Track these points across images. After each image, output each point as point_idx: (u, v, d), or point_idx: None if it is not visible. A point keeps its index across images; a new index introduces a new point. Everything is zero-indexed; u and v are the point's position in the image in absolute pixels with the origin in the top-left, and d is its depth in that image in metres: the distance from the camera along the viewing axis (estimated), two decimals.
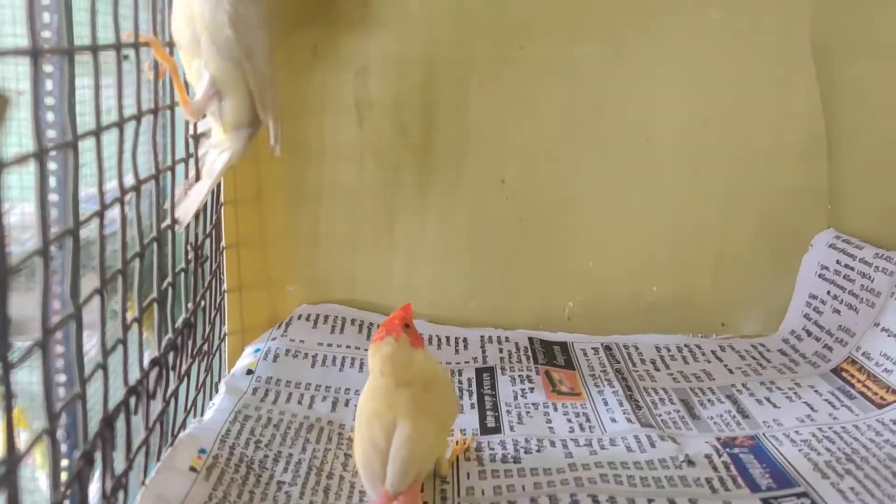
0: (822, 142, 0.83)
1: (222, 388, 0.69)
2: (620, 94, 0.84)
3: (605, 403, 0.70)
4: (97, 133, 0.51)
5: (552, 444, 0.63)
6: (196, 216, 0.69)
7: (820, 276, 0.83)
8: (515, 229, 0.86)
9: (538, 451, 0.62)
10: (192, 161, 0.68)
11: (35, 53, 0.42)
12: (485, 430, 0.66)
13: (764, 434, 0.64)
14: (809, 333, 0.81)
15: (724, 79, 0.83)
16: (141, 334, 0.58)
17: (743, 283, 0.87)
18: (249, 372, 0.72)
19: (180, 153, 0.67)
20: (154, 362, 0.60)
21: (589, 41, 0.83)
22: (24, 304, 0.48)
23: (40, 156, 0.43)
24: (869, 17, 0.78)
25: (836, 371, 0.74)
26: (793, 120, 0.84)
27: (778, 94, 0.83)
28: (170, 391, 0.64)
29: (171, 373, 0.64)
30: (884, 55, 0.77)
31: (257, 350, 0.76)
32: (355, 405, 0.68)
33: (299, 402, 0.68)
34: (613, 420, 0.67)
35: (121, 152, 0.53)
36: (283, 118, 0.80)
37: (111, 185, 0.55)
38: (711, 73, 0.83)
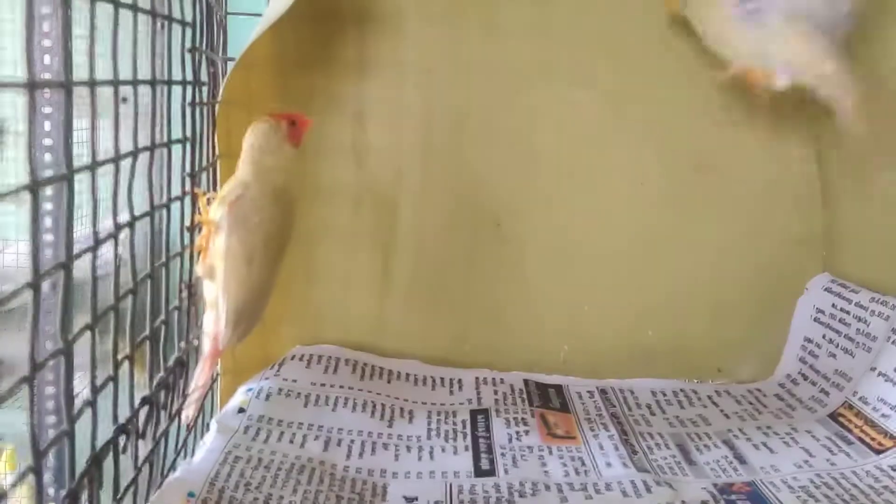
0: (816, 186, 0.84)
1: (213, 426, 0.68)
2: (615, 139, 0.85)
3: (601, 448, 0.69)
4: (92, 168, 0.51)
5: (547, 487, 0.62)
6: (191, 257, 0.69)
7: (815, 319, 0.82)
8: (510, 272, 0.86)
9: (533, 494, 0.61)
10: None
11: (32, 86, 0.42)
12: (479, 472, 0.65)
13: (761, 480, 0.64)
14: (805, 377, 0.81)
15: (717, 123, 0.84)
16: (132, 372, 0.58)
17: (738, 328, 0.86)
18: (241, 410, 0.71)
19: (176, 191, 0.67)
20: (145, 401, 0.59)
21: (585, 87, 0.84)
22: (16, 344, 0.47)
23: (34, 188, 0.43)
24: (862, 63, 0.79)
25: (834, 416, 0.74)
26: (787, 164, 0.84)
27: (772, 138, 0.84)
28: (160, 431, 0.63)
29: (162, 412, 0.64)
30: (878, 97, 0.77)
31: (249, 389, 0.75)
32: (348, 445, 0.68)
33: (291, 442, 0.67)
34: (609, 465, 0.66)
35: (116, 187, 0.53)
36: None
37: (106, 223, 0.55)
38: (705, 118, 0.84)
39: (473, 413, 0.75)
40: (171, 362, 0.65)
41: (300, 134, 0.67)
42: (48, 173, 0.54)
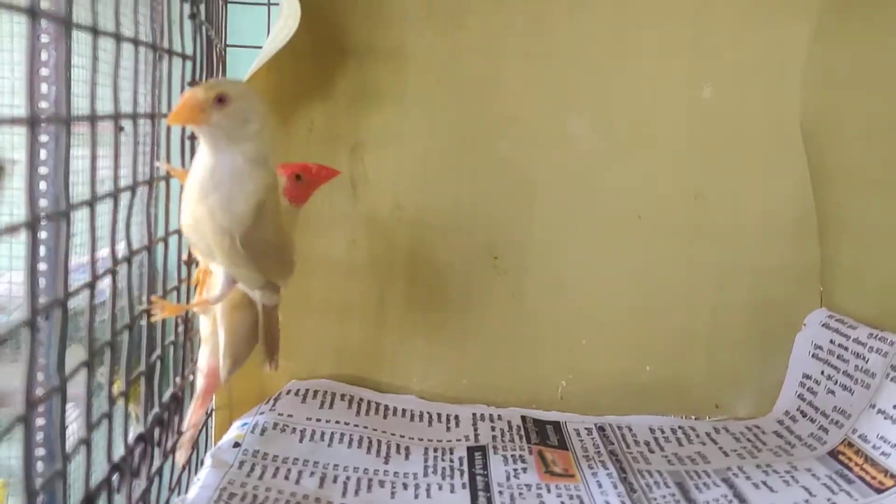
0: (813, 221, 0.84)
1: (208, 460, 0.67)
2: (613, 171, 0.85)
3: (599, 486, 0.69)
4: (91, 203, 0.50)
5: None
6: (187, 291, 0.68)
7: (813, 355, 0.82)
8: (508, 306, 0.86)
9: None
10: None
11: (32, 122, 0.42)
12: None
13: None
14: (804, 415, 0.80)
15: (714, 157, 0.84)
16: (127, 408, 0.57)
17: (736, 364, 0.86)
18: (236, 445, 0.70)
19: (174, 225, 0.66)
20: (140, 438, 0.58)
21: (582, 117, 0.84)
22: (9, 375, 0.47)
23: (33, 225, 0.42)
24: (858, 99, 0.79)
25: (833, 454, 0.73)
26: (783, 199, 0.84)
27: (768, 172, 0.84)
28: (154, 468, 0.62)
29: (157, 449, 0.63)
30: (873, 135, 0.78)
31: (244, 424, 0.74)
32: (344, 481, 0.67)
33: (286, 478, 0.66)
34: (608, 503, 0.66)
35: (114, 222, 0.53)
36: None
37: (102, 253, 0.55)
38: (702, 151, 0.84)
39: (471, 450, 0.74)
40: (165, 398, 0.65)
41: (306, 191, 0.65)
42: (44, 202, 0.53)
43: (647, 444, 0.78)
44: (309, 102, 0.82)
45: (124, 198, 0.55)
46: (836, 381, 0.78)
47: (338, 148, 0.83)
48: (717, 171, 0.84)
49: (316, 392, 0.81)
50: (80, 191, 0.53)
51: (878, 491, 0.66)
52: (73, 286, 0.49)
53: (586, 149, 0.84)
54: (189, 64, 0.69)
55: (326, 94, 0.82)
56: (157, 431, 0.61)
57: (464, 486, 0.68)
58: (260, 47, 0.75)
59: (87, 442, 0.50)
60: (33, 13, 0.41)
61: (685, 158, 0.84)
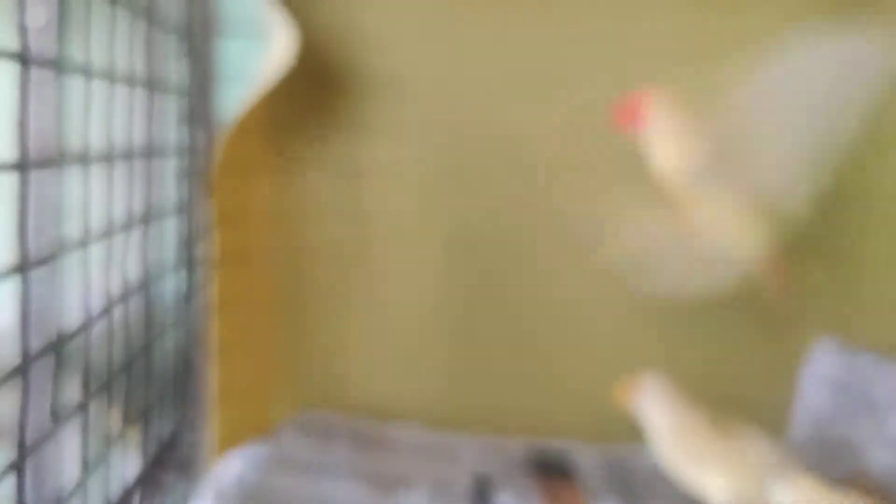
0: (816, 248, 0.83)
1: (207, 499, 0.66)
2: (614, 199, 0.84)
3: None
4: (84, 243, 0.50)
5: None
6: (183, 325, 0.68)
7: (821, 384, 0.81)
8: (511, 333, 0.85)
9: None
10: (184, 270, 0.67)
11: (23, 167, 0.41)
12: None
13: None
14: (813, 444, 0.79)
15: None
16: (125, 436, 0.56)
17: (745, 391, 0.84)
18: (237, 481, 0.69)
19: (170, 259, 0.66)
20: (138, 480, 0.58)
21: (584, 143, 0.83)
22: (3, 405, 0.46)
23: (23, 268, 0.42)
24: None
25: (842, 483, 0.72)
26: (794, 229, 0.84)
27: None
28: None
29: (155, 487, 0.62)
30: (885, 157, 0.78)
31: (246, 458, 0.73)
32: None
33: None
34: None
35: (109, 260, 0.53)
36: (275, 221, 0.80)
37: (100, 285, 0.54)
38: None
39: (475, 483, 0.73)
40: (164, 435, 0.64)
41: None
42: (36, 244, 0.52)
43: (655, 473, 0.77)
44: (305, 133, 0.82)
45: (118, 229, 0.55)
46: (845, 411, 0.77)
47: (335, 178, 0.82)
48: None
49: (318, 425, 0.80)
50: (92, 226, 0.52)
51: None
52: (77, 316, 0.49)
53: (587, 174, 0.84)
54: (184, 98, 0.68)
55: (323, 123, 0.82)
56: (155, 470, 0.61)
57: None
58: (254, 78, 0.75)
59: (84, 486, 0.50)
60: (24, 59, 0.41)
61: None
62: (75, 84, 0.51)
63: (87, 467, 0.51)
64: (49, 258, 0.45)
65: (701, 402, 0.64)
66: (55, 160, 0.46)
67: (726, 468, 0.60)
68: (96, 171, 0.54)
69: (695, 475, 0.61)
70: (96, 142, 0.53)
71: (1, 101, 0.43)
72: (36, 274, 0.49)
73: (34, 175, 0.49)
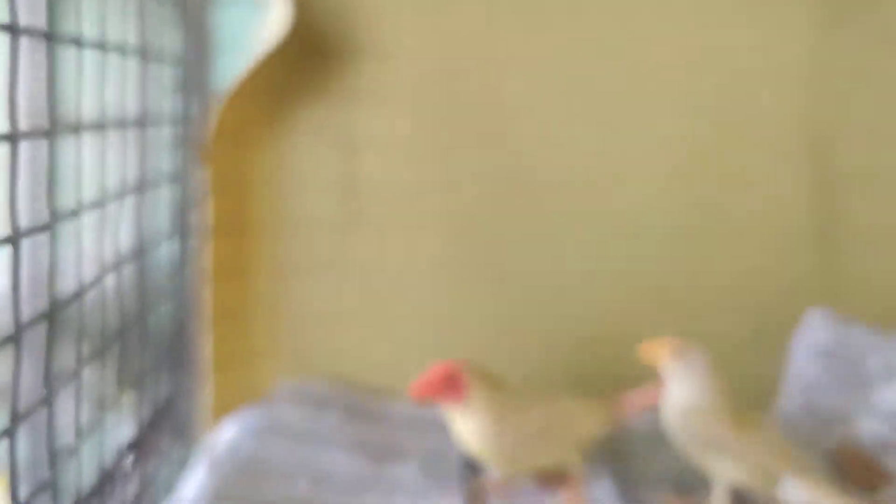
0: (813, 220, 0.83)
1: (202, 465, 0.67)
2: (613, 173, 0.84)
3: (599, 487, 0.68)
4: (76, 213, 0.50)
5: None
6: (178, 293, 0.68)
7: (812, 354, 0.81)
8: (509, 306, 0.85)
9: None
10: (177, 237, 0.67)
11: (15, 138, 0.41)
12: None
13: None
14: (804, 413, 0.79)
15: (715, 159, 0.83)
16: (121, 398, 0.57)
17: (735, 363, 0.85)
18: (230, 448, 0.70)
19: (164, 229, 0.66)
20: (132, 445, 0.59)
21: (574, 123, 0.83)
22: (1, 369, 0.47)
23: (15, 240, 0.42)
24: (863, 105, 0.79)
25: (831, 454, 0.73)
26: (784, 200, 0.84)
27: (772, 176, 0.84)
28: (147, 472, 0.62)
29: (149, 453, 0.63)
30: (877, 138, 0.78)
31: (238, 426, 0.74)
32: (337, 485, 0.66)
33: (280, 482, 0.66)
34: None
35: (102, 231, 0.53)
36: (269, 190, 0.81)
37: (94, 251, 0.55)
38: (703, 153, 0.83)
39: (466, 455, 0.74)
40: (158, 401, 0.65)
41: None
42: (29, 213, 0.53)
43: (647, 446, 0.77)
44: (298, 102, 0.82)
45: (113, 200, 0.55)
46: (835, 380, 0.77)
47: (328, 148, 0.82)
48: (718, 174, 0.84)
49: (310, 394, 0.81)
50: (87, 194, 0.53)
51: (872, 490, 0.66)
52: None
53: (587, 149, 0.84)
54: (178, 67, 0.68)
55: (316, 92, 0.82)
56: (149, 435, 0.62)
57: (458, 489, 0.68)
58: (249, 48, 0.75)
59: (76, 451, 0.50)
60: (14, 30, 0.41)
61: (687, 162, 0.84)
62: (69, 55, 0.51)
63: (81, 432, 0.52)
64: (43, 227, 0.46)
65: (725, 382, 0.63)
66: (48, 130, 0.46)
67: (740, 458, 0.60)
68: (90, 141, 0.54)
69: (705, 454, 0.61)
70: (91, 112, 0.53)
71: None
72: (34, 241, 0.50)
73: (30, 145, 0.50)
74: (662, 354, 0.64)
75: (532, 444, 0.64)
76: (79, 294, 0.50)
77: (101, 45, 0.52)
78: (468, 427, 0.62)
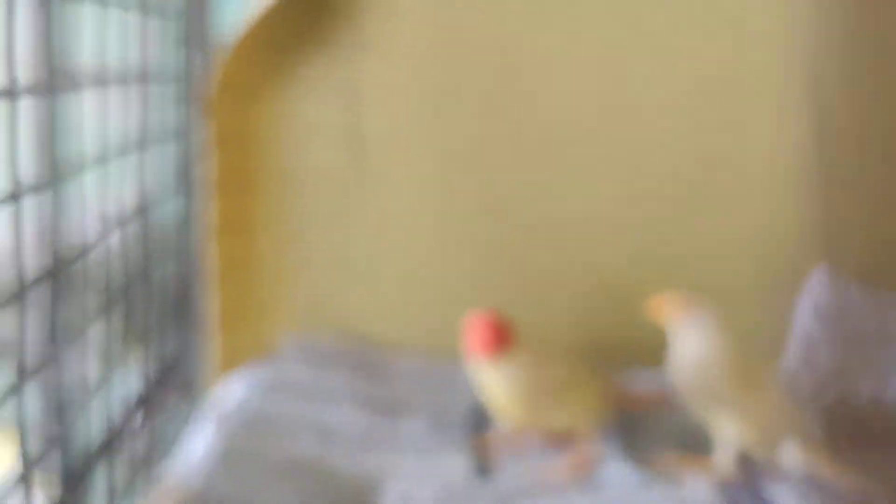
0: (815, 179, 0.83)
1: (209, 422, 0.67)
2: (616, 128, 0.83)
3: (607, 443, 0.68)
4: (79, 170, 0.50)
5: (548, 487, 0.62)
6: (183, 249, 0.68)
7: (814, 314, 0.81)
8: (516, 258, 0.85)
9: (533, 493, 0.61)
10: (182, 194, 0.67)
11: (13, 94, 0.41)
12: (479, 470, 0.64)
13: None
14: (805, 371, 0.80)
15: (717, 117, 0.83)
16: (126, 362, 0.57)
17: (740, 321, 0.85)
18: (237, 404, 0.71)
19: (168, 185, 0.66)
20: (140, 400, 0.59)
21: (584, 68, 0.82)
22: (5, 324, 0.47)
23: (17, 198, 0.42)
24: (864, 52, 0.78)
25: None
26: (786, 157, 0.83)
27: (770, 130, 0.83)
28: (154, 427, 0.63)
29: (156, 409, 0.63)
30: (877, 93, 0.77)
31: (246, 381, 0.74)
32: (345, 441, 0.67)
33: (288, 439, 0.66)
34: (611, 463, 0.65)
35: (105, 184, 0.53)
36: (273, 144, 0.80)
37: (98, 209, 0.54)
38: (705, 112, 0.83)
39: (472, 411, 0.74)
40: (165, 356, 0.65)
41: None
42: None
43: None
44: (302, 55, 0.81)
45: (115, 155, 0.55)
46: (836, 340, 0.77)
47: (331, 99, 0.81)
48: (720, 125, 0.83)
49: (318, 350, 0.81)
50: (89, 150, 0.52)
51: None
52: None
53: (589, 99, 0.83)
54: (180, 20, 0.68)
55: (320, 43, 0.81)
56: (156, 391, 0.62)
57: (466, 446, 0.68)
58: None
59: (85, 406, 0.51)
60: None
61: (690, 113, 0.83)
62: (69, 9, 0.50)
63: (88, 388, 0.52)
64: (45, 183, 0.45)
65: (734, 340, 0.62)
66: (47, 85, 0.46)
67: (744, 418, 0.60)
68: (93, 97, 0.54)
69: (711, 415, 0.61)
70: (91, 67, 0.53)
71: None
72: (40, 197, 0.49)
73: (34, 101, 0.49)
74: (670, 310, 0.63)
75: (555, 401, 0.64)
76: (84, 251, 0.50)
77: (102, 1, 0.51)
78: (500, 378, 0.62)
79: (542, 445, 0.68)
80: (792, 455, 0.59)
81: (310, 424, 0.69)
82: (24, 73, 0.44)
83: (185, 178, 0.74)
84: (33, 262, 0.45)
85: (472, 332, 0.63)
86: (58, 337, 0.47)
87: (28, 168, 0.49)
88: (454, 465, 0.66)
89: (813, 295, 0.82)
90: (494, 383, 0.63)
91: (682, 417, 0.65)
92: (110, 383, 0.55)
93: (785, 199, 0.84)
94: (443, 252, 0.85)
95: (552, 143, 0.84)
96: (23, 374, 0.43)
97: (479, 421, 0.72)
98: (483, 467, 0.65)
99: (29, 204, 0.44)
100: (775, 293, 0.84)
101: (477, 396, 0.70)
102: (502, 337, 0.63)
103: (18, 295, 0.42)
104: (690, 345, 0.62)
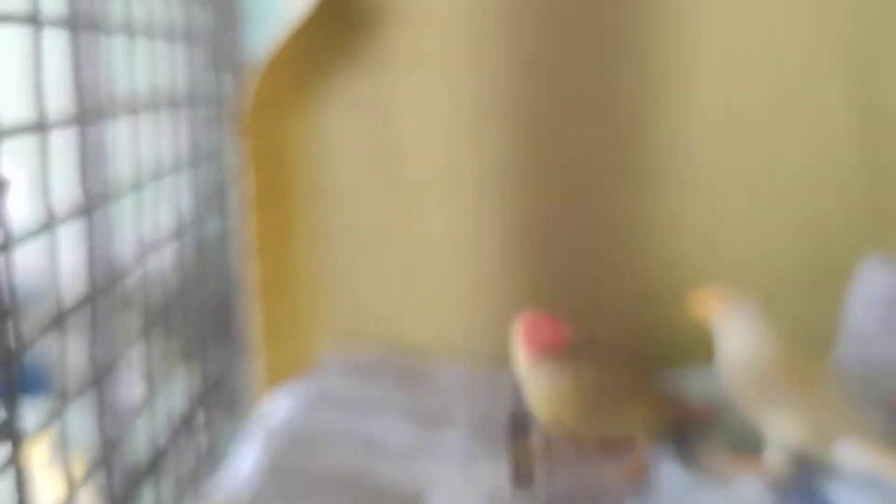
0: (865, 165, 0.81)
1: (256, 438, 0.68)
2: (665, 123, 0.82)
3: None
4: (127, 191, 0.51)
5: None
6: (224, 268, 0.69)
7: (868, 302, 0.79)
8: (552, 268, 0.84)
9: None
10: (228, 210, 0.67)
11: (42, 127, 0.42)
12: (518, 480, 0.64)
13: None
14: (859, 361, 0.78)
15: (765, 103, 0.81)
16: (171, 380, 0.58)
17: (792, 309, 0.83)
18: (284, 421, 0.71)
19: (206, 204, 0.67)
20: (185, 419, 0.60)
21: (604, 85, 0.81)
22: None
23: (51, 226, 0.43)
24: None
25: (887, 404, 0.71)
26: (833, 145, 0.81)
27: (817, 119, 0.81)
28: (200, 445, 0.63)
29: (201, 426, 0.64)
30: None
31: (292, 396, 0.75)
32: (389, 453, 0.67)
33: (334, 453, 0.67)
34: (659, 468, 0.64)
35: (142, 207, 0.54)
36: (308, 160, 0.81)
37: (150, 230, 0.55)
38: (752, 97, 0.81)
39: (513, 420, 0.73)
40: (211, 375, 0.66)
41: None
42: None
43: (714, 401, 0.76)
44: (332, 71, 0.81)
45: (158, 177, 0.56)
46: (890, 329, 0.75)
47: (364, 115, 0.82)
48: (765, 119, 0.81)
49: (361, 362, 0.81)
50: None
51: None
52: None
53: (622, 102, 0.82)
54: (209, 44, 0.68)
55: (350, 61, 0.81)
56: (202, 410, 0.63)
57: (506, 455, 0.67)
58: (279, 19, 0.74)
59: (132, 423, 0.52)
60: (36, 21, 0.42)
61: (735, 106, 0.81)
62: (104, 42, 0.51)
63: (136, 407, 0.53)
64: (84, 209, 0.46)
65: (781, 332, 0.60)
66: (85, 115, 0.46)
67: (797, 415, 0.58)
68: (132, 123, 0.55)
69: (763, 413, 0.59)
70: (127, 95, 0.54)
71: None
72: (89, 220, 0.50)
73: (75, 129, 0.50)
74: (713, 306, 0.62)
75: (614, 408, 0.63)
76: (127, 273, 0.51)
77: (129, 31, 0.52)
78: (557, 381, 0.62)
79: (587, 452, 0.67)
80: (849, 453, 0.57)
81: (354, 437, 0.70)
82: (62, 104, 0.45)
83: (222, 198, 0.75)
84: (78, 286, 0.46)
85: (528, 333, 0.62)
86: (103, 358, 0.48)
87: (71, 194, 0.50)
88: (497, 473, 0.65)
89: (865, 285, 0.80)
90: (550, 387, 0.62)
91: (733, 417, 0.63)
92: (155, 402, 0.56)
93: (834, 188, 0.82)
94: (478, 261, 0.84)
95: (585, 150, 0.83)
96: (65, 397, 0.44)
97: (519, 428, 0.71)
98: (523, 475, 0.64)
99: (73, 230, 0.45)
100: (826, 285, 0.82)
101: (517, 403, 0.70)
102: (560, 337, 0.62)
103: (58, 321, 0.43)
104: (736, 341, 0.60)
